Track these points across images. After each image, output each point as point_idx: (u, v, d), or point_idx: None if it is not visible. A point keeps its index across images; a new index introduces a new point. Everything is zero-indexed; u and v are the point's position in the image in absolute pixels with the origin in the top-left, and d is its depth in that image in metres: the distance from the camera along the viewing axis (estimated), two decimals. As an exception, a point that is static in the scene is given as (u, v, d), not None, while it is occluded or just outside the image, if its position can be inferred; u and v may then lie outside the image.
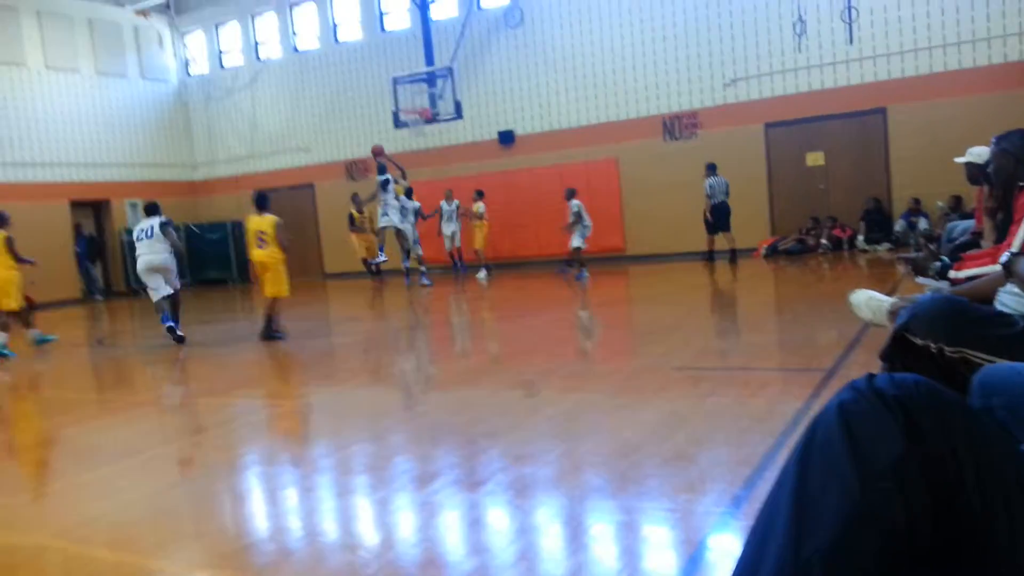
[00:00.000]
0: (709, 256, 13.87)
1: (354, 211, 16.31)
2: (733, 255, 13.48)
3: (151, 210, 9.56)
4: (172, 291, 9.38)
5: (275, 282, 8.79)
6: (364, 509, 3.40)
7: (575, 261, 13.46)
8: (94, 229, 19.31)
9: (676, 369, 5.56)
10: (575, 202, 13.22)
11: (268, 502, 3.63)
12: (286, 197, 19.66)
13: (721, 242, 13.61)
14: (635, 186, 15.44)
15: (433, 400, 5.52)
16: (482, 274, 14.82)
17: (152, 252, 9.26)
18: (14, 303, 9.39)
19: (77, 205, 18.62)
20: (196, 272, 19.93)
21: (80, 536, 3.26)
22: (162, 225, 9.29)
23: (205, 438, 4.95)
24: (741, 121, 14.70)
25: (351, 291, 15.40)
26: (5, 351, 9.20)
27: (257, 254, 8.89)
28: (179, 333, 9.10)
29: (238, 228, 20.40)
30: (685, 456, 3.53)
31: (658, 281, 11.73)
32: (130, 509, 3.63)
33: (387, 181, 13.33)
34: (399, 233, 13.57)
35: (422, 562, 2.71)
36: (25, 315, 9.81)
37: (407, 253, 14.17)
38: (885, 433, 0.96)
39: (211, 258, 20.01)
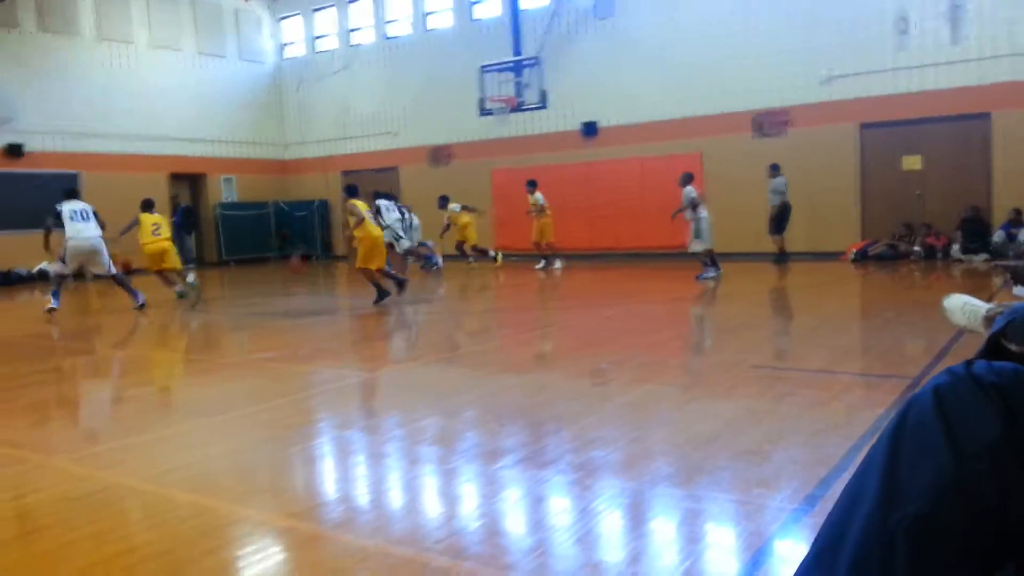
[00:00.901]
0: (780, 257, 13.55)
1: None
2: (782, 257, 13.30)
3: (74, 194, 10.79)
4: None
5: (363, 256, 9.64)
6: (431, 479, 3.47)
7: (704, 259, 11.72)
8: (190, 201, 20.14)
9: (753, 367, 5.46)
10: (690, 188, 11.69)
11: (340, 466, 3.74)
12: (371, 179, 20.09)
13: (774, 242, 13.54)
14: (719, 182, 15.13)
15: (504, 381, 5.58)
16: (541, 264, 14.60)
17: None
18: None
19: (175, 178, 19.46)
20: (282, 247, 20.61)
21: (165, 481, 3.44)
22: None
23: (287, 402, 5.13)
24: (835, 120, 14.23)
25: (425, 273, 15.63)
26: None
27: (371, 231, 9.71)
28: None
29: (324, 206, 21.02)
30: (758, 452, 3.48)
31: (737, 279, 11.49)
32: (213, 461, 3.81)
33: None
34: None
35: (485, 535, 2.75)
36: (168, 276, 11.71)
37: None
38: (982, 416, 0.94)
39: (297, 234, 20.65)
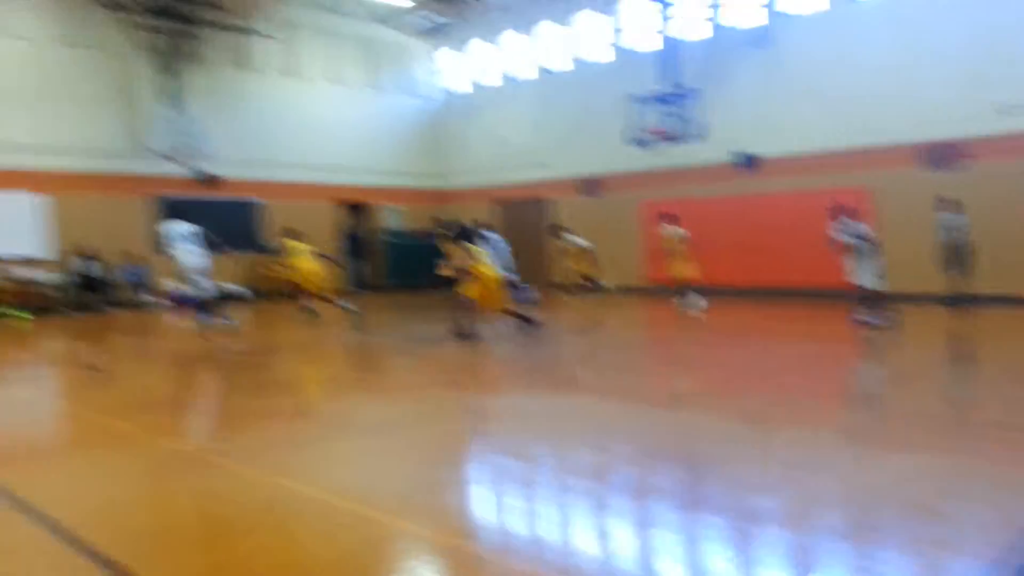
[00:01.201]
0: (955, 299, 12.43)
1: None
2: (962, 299, 12.20)
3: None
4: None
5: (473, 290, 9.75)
6: (584, 513, 3.56)
7: (870, 301, 10.39)
8: (358, 229, 21.47)
9: (921, 416, 5.19)
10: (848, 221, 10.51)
11: (495, 492, 3.91)
12: (521, 209, 20.59)
13: (952, 284, 12.37)
14: (888, 218, 14.35)
15: (658, 417, 5.59)
16: (680, 299, 13.89)
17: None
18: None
19: (341, 206, 20.81)
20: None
21: (336, 491, 3.75)
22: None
23: (443, 426, 5.40)
24: (1018, 154, 13.19)
25: (573, 305, 15.78)
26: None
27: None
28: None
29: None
30: (932, 509, 3.34)
31: (914, 323, 10.79)
32: (380, 476, 4.10)
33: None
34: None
35: None
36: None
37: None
38: None
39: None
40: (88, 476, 4.43)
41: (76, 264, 15.73)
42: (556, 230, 16.04)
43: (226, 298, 16.76)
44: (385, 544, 3.15)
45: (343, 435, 5.18)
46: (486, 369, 8.22)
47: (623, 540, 3.23)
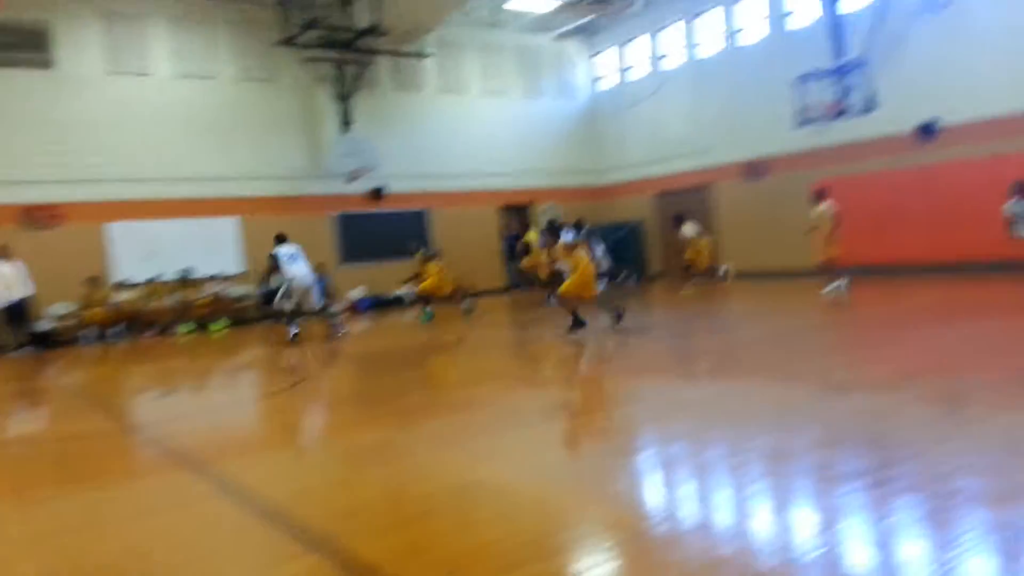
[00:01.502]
0: None
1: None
2: None
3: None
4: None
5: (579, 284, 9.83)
6: (768, 498, 3.49)
7: None
8: (518, 230, 21.96)
9: None
10: None
11: (677, 477, 3.92)
12: (684, 199, 20.21)
13: None
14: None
15: (845, 401, 5.35)
16: (834, 285, 13.00)
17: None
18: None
19: (504, 209, 21.36)
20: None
21: (515, 476, 3.90)
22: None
23: (619, 413, 5.45)
24: None
25: (741, 291, 15.30)
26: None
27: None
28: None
29: (639, 228, 21.63)
30: None
31: None
32: (557, 462, 4.22)
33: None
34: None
35: (827, 566, 2.72)
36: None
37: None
38: None
39: (618, 256, 21.51)
40: (291, 465, 4.88)
41: (265, 278, 17.18)
42: (679, 221, 15.76)
43: (395, 302, 17.78)
44: (564, 526, 3.26)
45: (518, 424, 5.37)
46: (646, 358, 8.18)
47: (806, 528, 3.15)
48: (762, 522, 3.20)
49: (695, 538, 3.02)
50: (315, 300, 12.34)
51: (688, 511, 3.39)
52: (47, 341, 14.42)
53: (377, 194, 19.12)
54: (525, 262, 16.87)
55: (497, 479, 3.98)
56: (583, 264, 9.81)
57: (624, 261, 21.09)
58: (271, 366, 10.37)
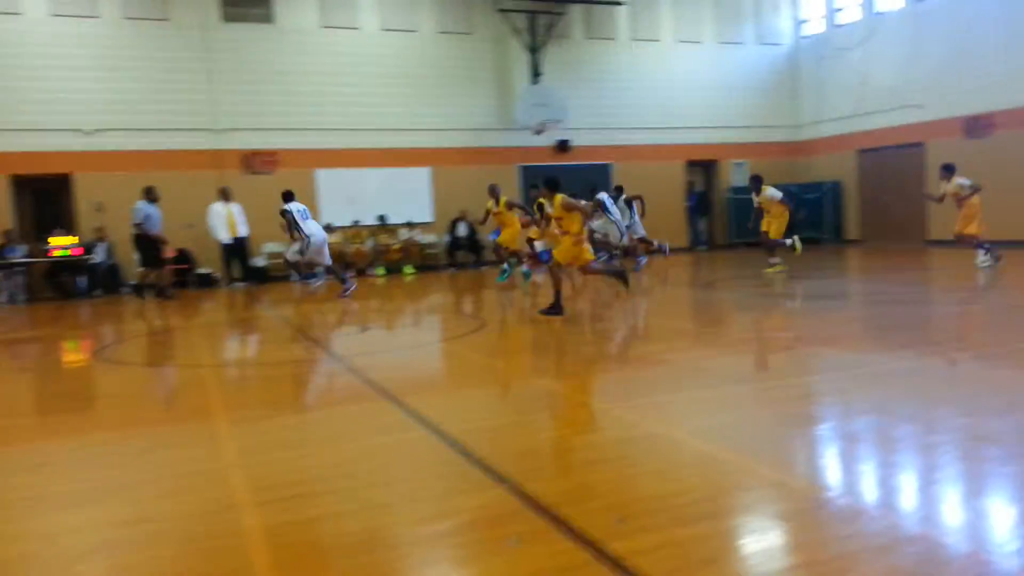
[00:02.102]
0: None
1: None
2: None
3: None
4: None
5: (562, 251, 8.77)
6: (958, 486, 3.26)
7: None
8: (704, 187, 21.32)
9: None
10: None
11: (855, 453, 3.73)
12: (892, 156, 18.69)
13: None
14: None
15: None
16: (984, 260, 11.85)
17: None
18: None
19: (691, 164, 20.76)
20: (796, 230, 20.53)
21: (698, 435, 3.89)
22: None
23: (802, 381, 5.25)
24: None
25: (948, 258, 13.98)
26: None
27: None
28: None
29: (836, 188, 20.27)
30: None
31: None
32: (731, 421, 4.16)
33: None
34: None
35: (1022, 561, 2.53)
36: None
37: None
38: None
39: (812, 218, 20.36)
40: (469, 405, 5.15)
41: (451, 227, 17.93)
42: (757, 183, 13.46)
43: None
44: (736, 488, 3.23)
45: (694, 384, 5.33)
46: (854, 325, 7.75)
47: (1008, 515, 2.92)
48: (953, 507, 3.01)
49: (876, 515, 2.90)
50: (327, 258, 12.35)
51: (870, 486, 3.24)
52: (261, 277, 15.97)
53: (563, 146, 19.23)
54: None
55: (668, 435, 4.00)
56: (576, 229, 8.55)
57: (818, 225, 19.93)
58: (454, 311, 10.88)
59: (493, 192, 12.65)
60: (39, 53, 15.03)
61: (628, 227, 13.96)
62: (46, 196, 15.77)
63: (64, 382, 7.12)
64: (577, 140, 19.33)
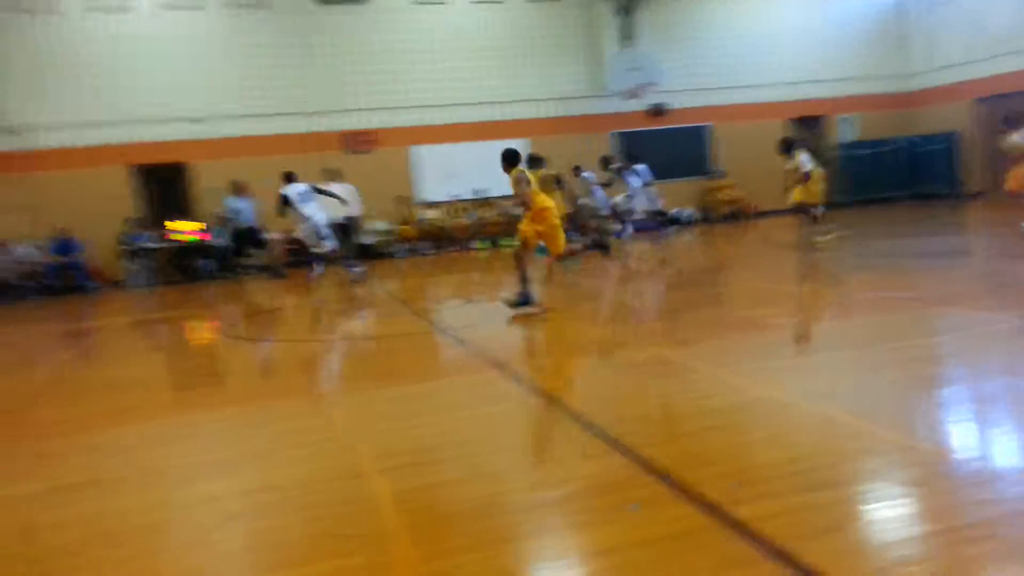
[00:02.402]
0: None
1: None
2: None
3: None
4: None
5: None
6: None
7: None
8: (813, 143, 20.46)
9: None
10: None
11: (987, 417, 3.56)
12: (1015, 103, 17.43)
13: None
14: None
15: None
16: None
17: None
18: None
19: (794, 122, 19.95)
20: (910, 186, 19.55)
21: (814, 399, 3.80)
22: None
23: (926, 342, 5.04)
24: None
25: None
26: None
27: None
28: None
29: (953, 138, 19.10)
30: None
31: None
32: (848, 385, 4.04)
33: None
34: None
35: None
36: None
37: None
38: None
39: (927, 172, 19.27)
40: (577, 373, 5.19)
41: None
42: (788, 145, 12.27)
43: (674, 222, 17.54)
44: (857, 454, 3.15)
45: (808, 346, 5.19)
46: (978, 283, 7.35)
47: None
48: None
49: (1014, 479, 2.77)
50: (322, 242, 11.84)
51: (1004, 450, 3.10)
52: (368, 253, 16.46)
53: (658, 110, 18.86)
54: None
55: (783, 399, 3.93)
56: (538, 206, 7.46)
57: (937, 179, 18.88)
58: (552, 282, 10.90)
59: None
60: (151, 47, 15.85)
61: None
62: (166, 183, 16.69)
63: (195, 359, 7.59)
64: (673, 103, 18.91)
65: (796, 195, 12.17)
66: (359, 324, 8.94)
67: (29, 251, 15.12)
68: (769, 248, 12.40)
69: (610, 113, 18.57)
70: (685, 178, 18.86)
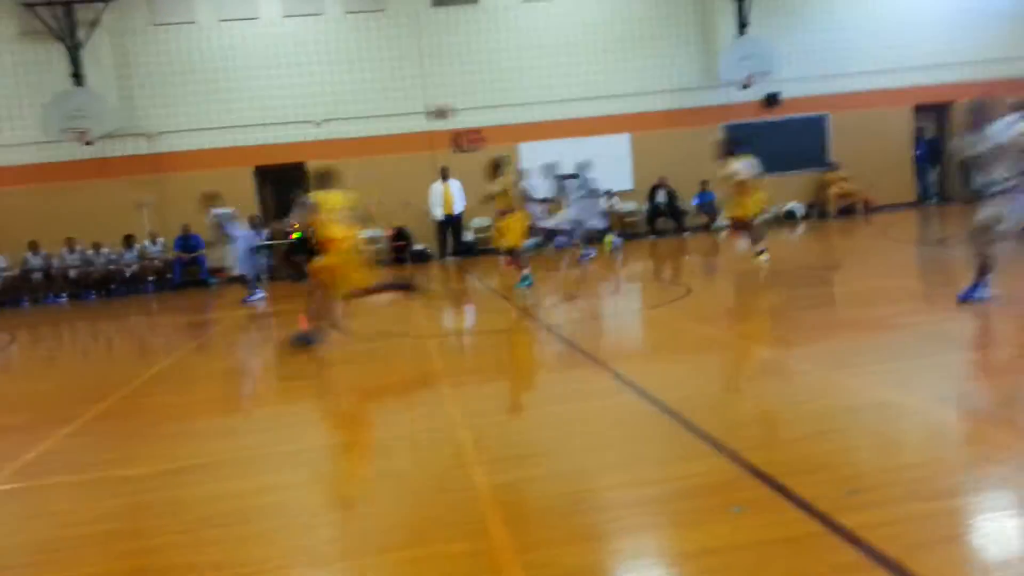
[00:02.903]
0: None
1: None
2: None
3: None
4: None
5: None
6: None
7: None
8: (935, 133, 19.32)
9: None
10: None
11: None
12: None
13: None
14: None
15: None
16: None
17: None
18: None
19: (919, 109, 18.87)
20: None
21: (934, 403, 3.60)
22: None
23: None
24: None
25: None
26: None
27: None
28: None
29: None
30: None
31: None
32: (971, 394, 3.80)
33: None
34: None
35: None
36: None
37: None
38: None
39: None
40: (682, 371, 5.10)
41: (650, 194, 17.65)
42: (729, 148, 10.22)
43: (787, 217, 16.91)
44: (984, 461, 2.97)
45: (930, 348, 4.92)
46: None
47: None
48: None
49: None
50: (243, 266, 11.76)
51: None
52: (471, 250, 16.73)
53: (772, 100, 18.23)
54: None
55: (900, 403, 3.74)
56: (326, 237, 6.52)
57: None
58: (657, 279, 10.78)
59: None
60: (274, 53, 16.65)
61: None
62: (283, 183, 17.48)
63: (307, 352, 7.94)
64: (787, 92, 18.23)
65: (728, 209, 10.50)
66: (463, 319, 9.11)
67: (156, 248, 16.23)
68: (884, 243, 11.78)
69: (719, 105, 18.10)
70: (798, 171, 18.16)
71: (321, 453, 3.94)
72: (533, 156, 17.52)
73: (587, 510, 2.87)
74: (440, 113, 8.09)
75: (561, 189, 13.61)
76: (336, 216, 6.49)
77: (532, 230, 12.16)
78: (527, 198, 11.85)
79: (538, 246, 13.31)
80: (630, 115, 17.85)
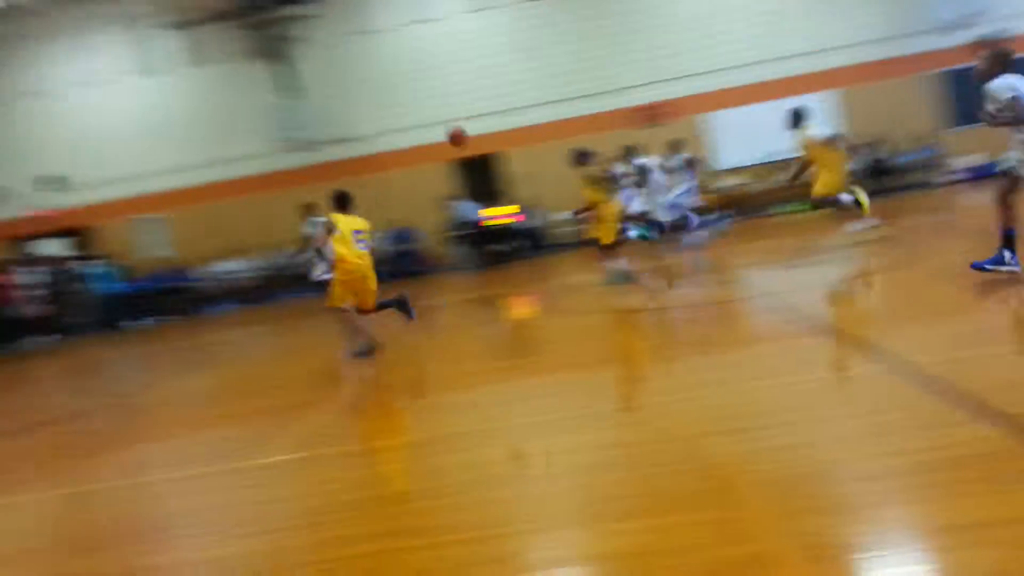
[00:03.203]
0: None
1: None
2: None
3: None
4: None
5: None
6: None
7: None
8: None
9: None
10: None
11: None
12: None
13: None
14: None
15: None
16: None
17: None
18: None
19: None
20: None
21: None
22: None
23: None
24: None
25: None
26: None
27: None
28: None
29: None
30: None
31: None
32: None
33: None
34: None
35: None
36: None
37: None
38: None
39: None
40: (932, 334, 4.73)
41: (864, 151, 16.37)
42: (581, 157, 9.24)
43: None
44: None
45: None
46: None
47: None
48: None
49: None
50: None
51: None
52: (660, 226, 16.46)
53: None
54: None
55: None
56: (336, 256, 7.05)
57: None
58: (874, 243, 10.06)
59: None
60: (460, 49, 17.34)
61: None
62: (477, 173, 18.12)
63: (531, 330, 8.25)
64: (1014, 29, 16.23)
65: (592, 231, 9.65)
66: (680, 292, 8.95)
67: (377, 243, 17.47)
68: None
69: (923, 52, 16.49)
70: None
71: (557, 425, 4.11)
72: (728, 124, 16.96)
73: (832, 480, 2.79)
74: (454, 139, 7.96)
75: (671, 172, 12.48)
76: (349, 237, 6.93)
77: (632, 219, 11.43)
78: (619, 185, 11.05)
79: (644, 237, 11.91)
80: (829, 71, 16.78)
